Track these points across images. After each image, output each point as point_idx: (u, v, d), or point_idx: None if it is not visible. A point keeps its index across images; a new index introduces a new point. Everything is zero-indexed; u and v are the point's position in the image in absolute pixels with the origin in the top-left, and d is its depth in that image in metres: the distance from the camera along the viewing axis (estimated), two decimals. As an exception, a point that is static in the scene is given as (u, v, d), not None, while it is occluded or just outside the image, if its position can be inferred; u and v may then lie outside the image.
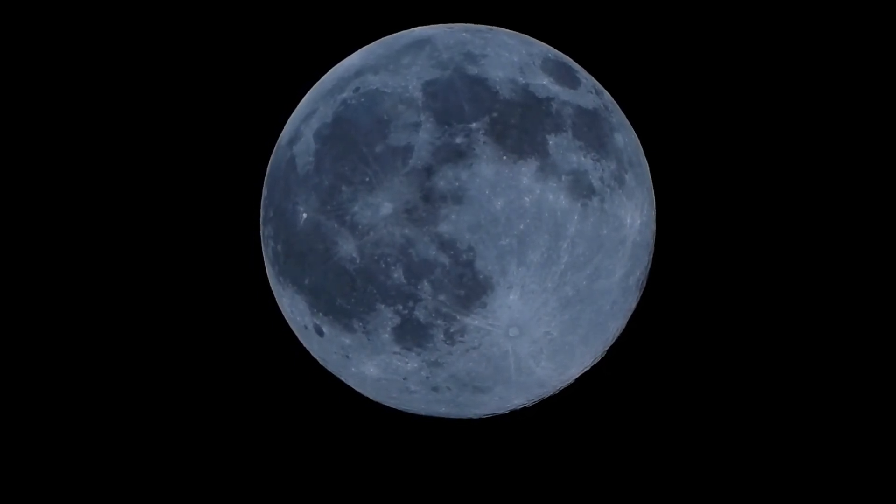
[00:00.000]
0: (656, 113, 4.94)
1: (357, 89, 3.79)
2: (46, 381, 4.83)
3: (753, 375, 4.81)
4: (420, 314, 3.62)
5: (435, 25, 4.09)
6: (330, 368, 4.16)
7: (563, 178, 3.63)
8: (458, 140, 3.56)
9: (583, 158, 3.71)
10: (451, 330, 3.64)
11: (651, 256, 4.15)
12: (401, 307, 3.62)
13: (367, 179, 3.58)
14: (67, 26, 5.01)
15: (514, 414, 4.21)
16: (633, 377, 4.73)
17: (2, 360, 4.82)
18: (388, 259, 3.57)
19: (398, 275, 3.57)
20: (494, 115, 3.62)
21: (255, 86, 5.06)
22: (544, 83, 3.80)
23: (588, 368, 4.15)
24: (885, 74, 4.91)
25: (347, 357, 3.91)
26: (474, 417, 4.17)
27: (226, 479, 4.70)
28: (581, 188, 3.67)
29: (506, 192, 3.53)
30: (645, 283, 4.16)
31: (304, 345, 4.19)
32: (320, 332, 3.91)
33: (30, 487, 4.64)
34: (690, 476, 4.66)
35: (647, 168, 4.17)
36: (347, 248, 3.62)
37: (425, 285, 3.56)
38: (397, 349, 3.74)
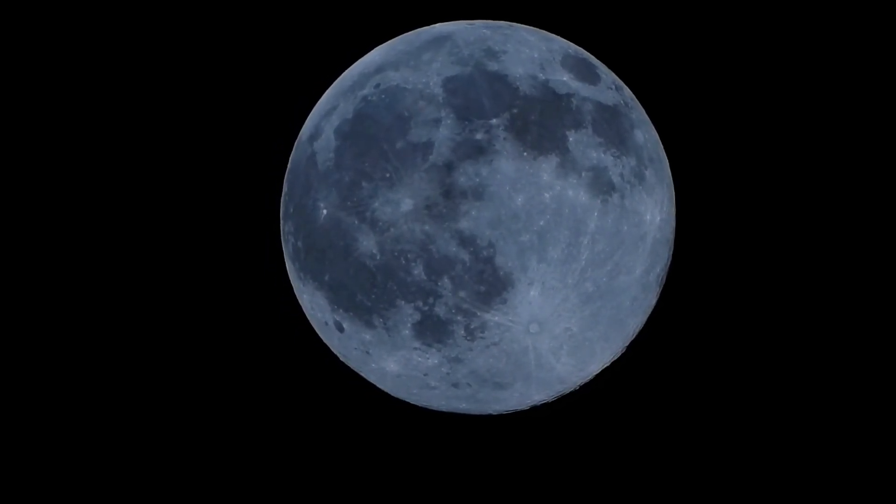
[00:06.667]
0: (676, 109, 4.92)
1: (378, 85, 3.79)
2: (62, 375, 4.87)
3: (773, 372, 4.79)
4: (440, 310, 3.62)
5: (455, 22, 4.09)
6: (350, 364, 4.17)
7: (584, 174, 3.62)
8: (479, 136, 3.56)
9: (603, 155, 3.70)
10: (472, 326, 3.64)
11: (671, 253, 4.14)
12: (421, 303, 3.62)
13: (388, 176, 3.58)
14: (89, 24, 5.05)
15: (535, 410, 4.21)
16: (652, 373, 4.73)
17: (17, 357, 4.88)
18: (409, 255, 3.57)
19: (418, 271, 3.58)
20: (514, 111, 3.61)
21: (275, 82, 5.08)
22: (564, 79, 3.79)
23: (608, 364, 4.15)
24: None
25: (368, 353, 3.92)
26: (494, 413, 4.18)
27: (247, 474, 4.72)
28: (601, 184, 3.66)
29: (526, 189, 3.53)
30: (665, 279, 4.15)
31: (325, 341, 4.20)
32: (341, 329, 3.92)
33: (36, 486, 4.69)
34: (709, 473, 4.64)
35: (667, 164, 4.16)
36: (368, 244, 3.63)
37: (445, 281, 3.57)
38: (417, 345, 3.75)
